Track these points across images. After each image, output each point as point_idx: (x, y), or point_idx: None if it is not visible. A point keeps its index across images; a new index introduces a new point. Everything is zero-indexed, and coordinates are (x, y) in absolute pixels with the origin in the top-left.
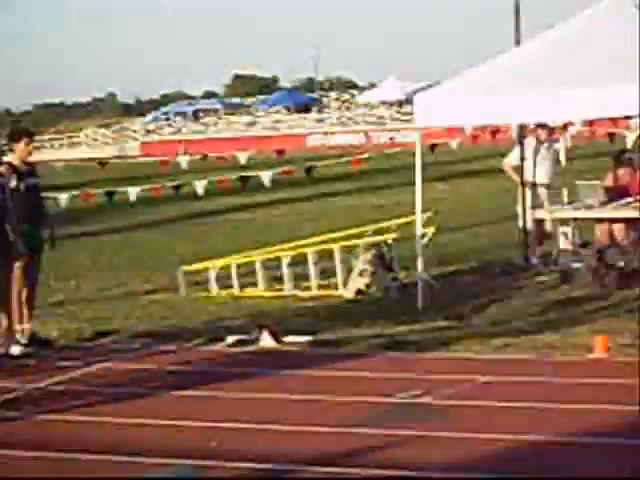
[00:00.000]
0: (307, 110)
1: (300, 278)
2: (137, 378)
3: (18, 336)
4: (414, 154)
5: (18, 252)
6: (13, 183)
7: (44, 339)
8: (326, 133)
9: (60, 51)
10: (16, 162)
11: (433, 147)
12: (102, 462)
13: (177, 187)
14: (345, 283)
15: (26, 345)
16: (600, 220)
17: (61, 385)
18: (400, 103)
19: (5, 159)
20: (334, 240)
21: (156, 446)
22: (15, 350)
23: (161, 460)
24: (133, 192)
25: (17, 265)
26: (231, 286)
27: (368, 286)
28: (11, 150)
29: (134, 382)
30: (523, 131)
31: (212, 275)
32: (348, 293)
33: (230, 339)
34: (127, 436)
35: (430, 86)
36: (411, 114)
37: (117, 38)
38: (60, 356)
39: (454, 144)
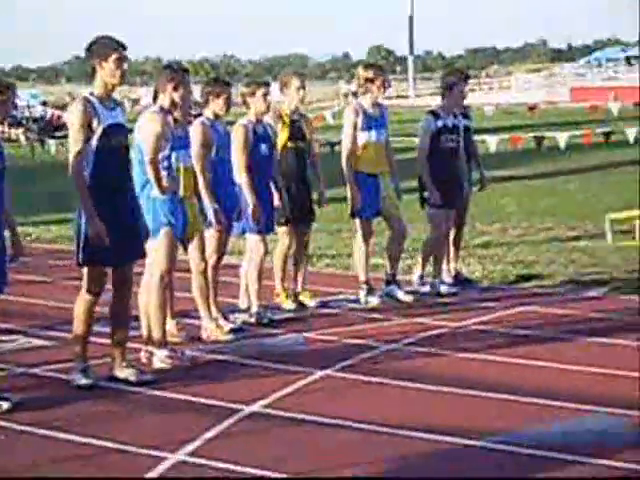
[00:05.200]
0: None
1: None
2: (556, 322)
3: (444, 275)
4: None
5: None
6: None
7: (468, 279)
8: None
9: None
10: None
11: None
12: (504, 401)
13: (607, 134)
14: None
15: (451, 284)
16: None
17: (481, 325)
18: None
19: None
20: None
21: (561, 390)
22: (444, 289)
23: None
24: (562, 138)
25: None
26: None
27: None
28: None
29: (552, 326)
30: None
31: (638, 224)
32: None
33: None
34: (538, 379)
35: None
36: None
37: None
38: (483, 297)
39: None
